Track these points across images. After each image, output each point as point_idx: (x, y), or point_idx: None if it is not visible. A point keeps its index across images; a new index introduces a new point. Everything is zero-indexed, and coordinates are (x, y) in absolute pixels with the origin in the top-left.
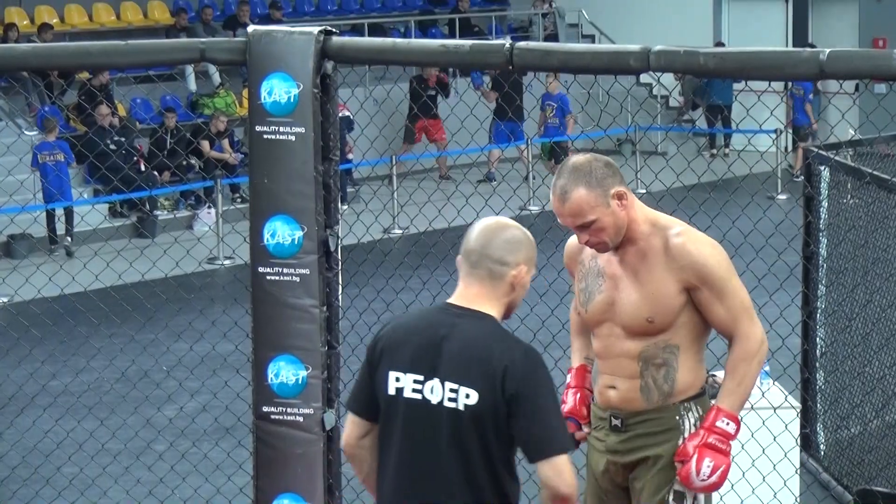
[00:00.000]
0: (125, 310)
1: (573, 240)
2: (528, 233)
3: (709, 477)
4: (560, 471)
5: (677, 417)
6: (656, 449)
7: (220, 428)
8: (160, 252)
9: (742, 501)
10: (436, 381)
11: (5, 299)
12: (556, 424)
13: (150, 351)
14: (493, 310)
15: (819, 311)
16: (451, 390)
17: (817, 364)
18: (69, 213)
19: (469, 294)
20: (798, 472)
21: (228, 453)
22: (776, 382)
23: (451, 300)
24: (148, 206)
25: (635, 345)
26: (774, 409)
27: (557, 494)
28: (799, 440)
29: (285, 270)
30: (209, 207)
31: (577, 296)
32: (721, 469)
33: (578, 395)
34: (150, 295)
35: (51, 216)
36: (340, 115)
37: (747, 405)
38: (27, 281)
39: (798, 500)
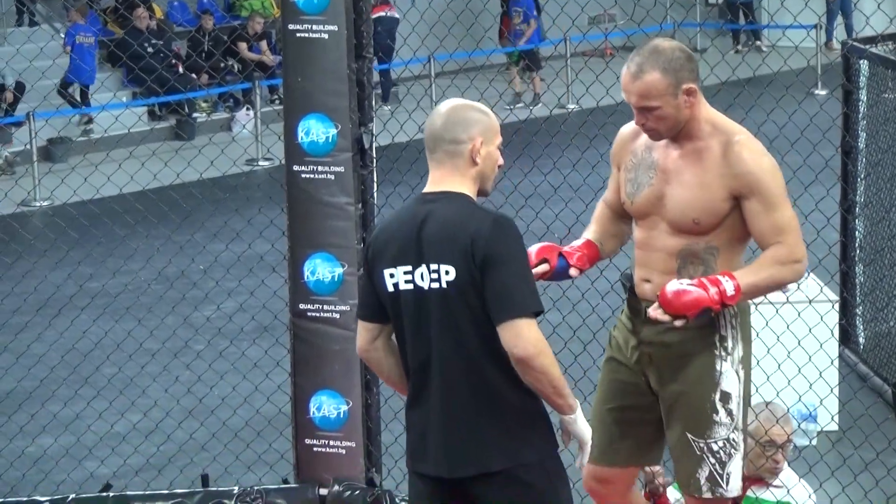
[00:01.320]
0: (162, 211)
1: (627, 128)
2: (485, 109)
3: (683, 297)
4: (517, 333)
5: (712, 314)
6: (688, 346)
7: (258, 326)
8: (197, 154)
9: (778, 393)
10: (423, 267)
11: (45, 203)
12: (519, 286)
13: (187, 251)
14: (464, 187)
15: (857, 204)
16: (434, 271)
17: (856, 257)
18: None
19: (436, 178)
20: (834, 363)
21: (266, 351)
22: (812, 274)
23: (424, 189)
24: (186, 109)
25: (677, 241)
26: (810, 301)
27: (514, 357)
28: (837, 332)
29: (320, 168)
30: (248, 109)
31: (622, 185)
32: (691, 296)
33: (584, 249)
34: (186, 196)
35: (84, 93)
36: (387, 14)
37: (782, 296)
38: (63, 182)
39: (834, 391)
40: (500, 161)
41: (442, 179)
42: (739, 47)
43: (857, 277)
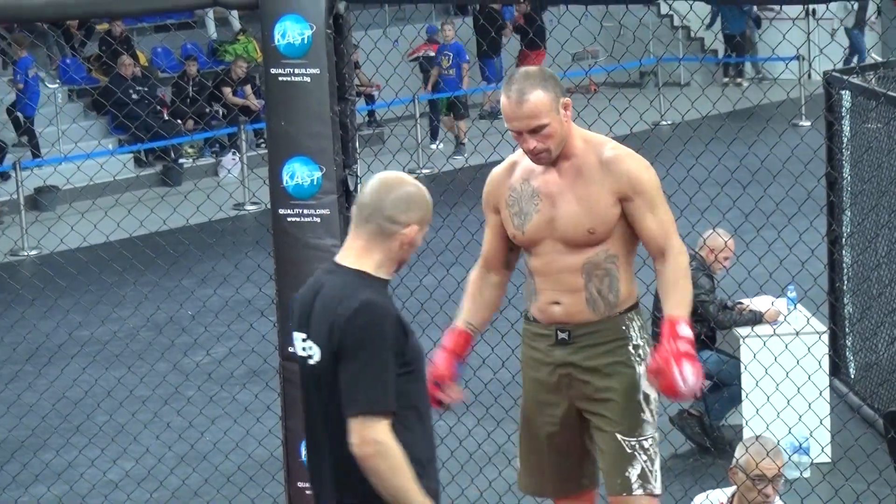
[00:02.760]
0: (150, 257)
1: (496, 170)
2: (425, 191)
3: (694, 382)
4: (357, 431)
5: (623, 327)
6: (608, 357)
7: (248, 371)
8: (183, 199)
9: (768, 426)
10: (308, 339)
11: (34, 252)
12: (366, 382)
13: (175, 297)
14: (371, 265)
15: (843, 235)
16: (309, 347)
17: (843, 288)
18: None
19: (353, 247)
20: (824, 394)
21: (256, 395)
22: (800, 305)
23: (337, 256)
24: (172, 155)
25: (577, 257)
26: (797, 333)
27: (354, 455)
28: (828, 364)
29: (305, 211)
30: (233, 154)
31: (507, 222)
32: (697, 372)
33: (445, 357)
34: (174, 242)
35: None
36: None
37: (770, 329)
38: (49, 230)
39: (825, 423)
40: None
41: (358, 251)
42: (727, 80)
43: (845, 308)
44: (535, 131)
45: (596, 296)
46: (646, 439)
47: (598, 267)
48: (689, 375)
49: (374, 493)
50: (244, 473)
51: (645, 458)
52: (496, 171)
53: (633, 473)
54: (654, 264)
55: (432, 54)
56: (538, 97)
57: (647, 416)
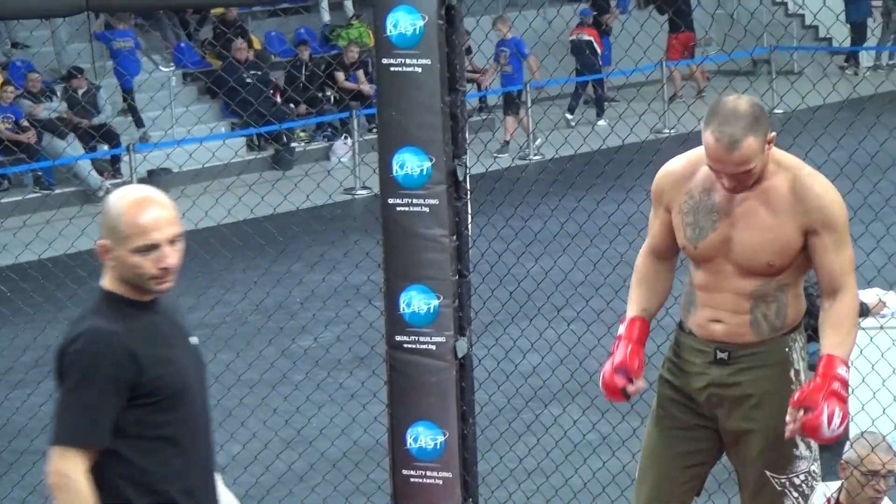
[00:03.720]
0: (259, 243)
1: (674, 165)
2: (117, 202)
3: (839, 427)
4: (49, 460)
5: (786, 349)
6: (765, 384)
7: (355, 357)
8: (293, 185)
9: (874, 421)
10: None
11: None
12: (64, 413)
13: (284, 283)
14: (107, 283)
15: None
16: None
17: None
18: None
19: None
20: None
21: (363, 382)
22: None
23: None
24: (285, 140)
25: (748, 283)
26: None
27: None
28: None
29: (415, 201)
30: (345, 138)
31: (680, 228)
32: (844, 416)
33: (630, 347)
34: (284, 228)
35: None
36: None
37: (877, 323)
38: None
39: None
40: (151, 267)
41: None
42: (846, 67)
43: None
44: (743, 174)
45: (761, 320)
46: (797, 476)
47: (768, 295)
48: (836, 418)
49: None
50: (349, 460)
51: (796, 494)
52: (673, 168)
53: None
54: (822, 298)
55: (587, 37)
56: (749, 144)
57: (800, 450)
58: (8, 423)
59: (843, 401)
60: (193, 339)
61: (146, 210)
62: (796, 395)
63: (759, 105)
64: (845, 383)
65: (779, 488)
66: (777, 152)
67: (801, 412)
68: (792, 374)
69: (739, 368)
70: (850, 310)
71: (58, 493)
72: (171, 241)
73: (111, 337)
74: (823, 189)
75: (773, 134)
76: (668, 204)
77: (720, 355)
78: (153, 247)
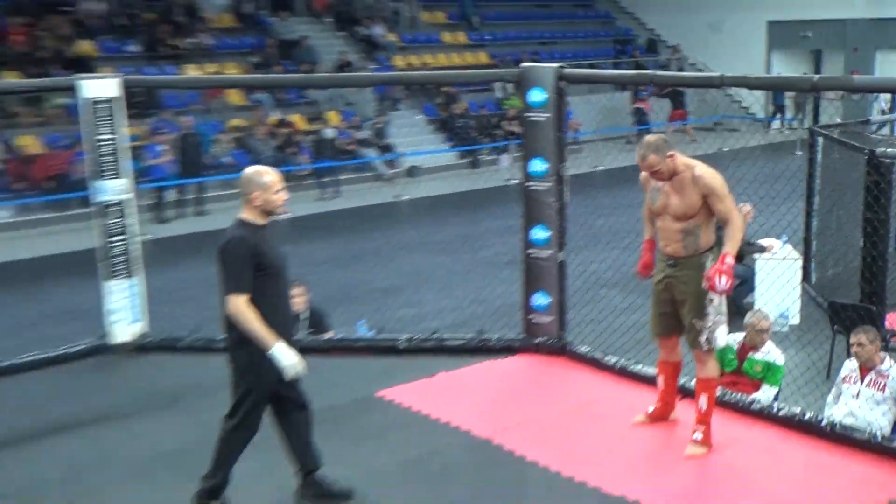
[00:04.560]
0: (464, 205)
1: (644, 174)
2: (256, 173)
3: (725, 285)
4: (228, 302)
5: (703, 261)
6: (691, 276)
7: (512, 260)
8: (483, 177)
9: (766, 304)
10: None
11: (406, 197)
12: (228, 280)
13: (477, 223)
14: (245, 214)
15: (815, 209)
16: None
17: (812, 236)
18: None
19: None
20: (797, 289)
21: (513, 273)
22: (789, 244)
23: None
24: (478, 154)
25: (679, 225)
26: (785, 258)
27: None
28: (800, 275)
29: (539, 184)
30: (506, 154)
31: (647, 198)
32: (729, 282)
33: (647, 253)
34: (475, 198)
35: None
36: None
37: (774, 257)
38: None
39: (796, 304)
40: (279, 200)
41: (241, 210)
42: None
43: (813, 246)
44: (652, 172)
45: (689, 244)
46: (708, 320)
47: (689, 231)
48: (724, 281)
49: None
50: (504, 311)
51: (707, 331)
52: (644, 174)
53: (702, 339)
54: (723, 226)
55: (641, 106)
56: (651, 158)
57: (709, 309)
58: None
59: (728, 273)
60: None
61: (274, 176)
62: (707, 272)
63: (663, 138)
64: (731, 266)
65: (698, 328)
66: (685, 159)
67: (707, 281)
68: (705, 269)
69: (679, 268)
70: (733, 230)
71: (238, 318)
72: (283, 189)
73: (245, 239)
74: (708, 174)
75: (672, 152)
76: (646, 188)
77: (670, 262)
78: (281, 189)
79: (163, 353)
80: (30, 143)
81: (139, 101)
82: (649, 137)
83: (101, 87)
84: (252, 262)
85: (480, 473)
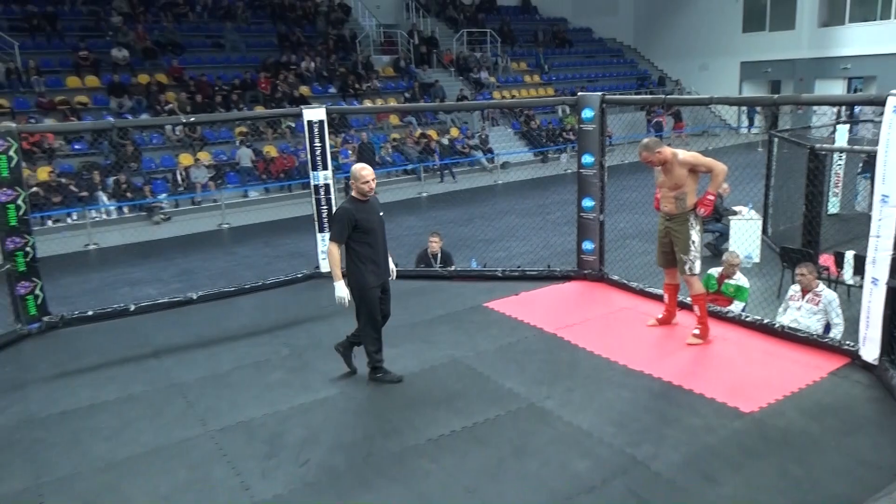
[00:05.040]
0: (536, 186)
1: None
2: (359, 168)
3: (702, 213)
4: (328, 245)
5: (688, 217)
6: (681, 226)
7: (570, 220)
8: (550, 168)
9: (737, 249)
10: None
11: (501, 182)
12: (332, 230)
13: (550, 197)
14: (353, 193)
15: (771, 186)
16: None
17: (769, 204)
18: None
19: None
20: (758, 240)
21: (570, 230)
22: (752, 210)
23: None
24: (549, 153)
25: (672, 193)
26: (749, 218)
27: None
28: (761, 228)
29: (590, 171)
30: (566, 152)
31: (656, 177)
32: (706, 211)
33: (658, 203)
34: (545, 183)
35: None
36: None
37: (742, 218)
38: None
39: (757, 250)
40: (366, 189)
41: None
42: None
43: (770, 210)
44: (648, 162)
45: (679, 205)
46: (691, 254)
47: (679, 197)
48: (702, 211)
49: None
50: (565, 253)
51: (690, 261)
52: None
53: (687, 267)
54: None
55: (659, 120)
56: (646, 154)
57: (691, 247)
58: None
59: (707, 205)
60: (381, 213)
61: (367, 171)
62: (698, 209)
63: (654, 140)
64: (711, 200)
65: (684, 258)
66: (671, 150)
67: (698, 208)
68: (689, 223)
69: (673, 222)
70: (715, 175)
71: (328, 255)
72: (372, 180)
73: (348, 210)
74: (686, 154)
75: (661, 148)
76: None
77: (667, 217)
78: (368, 181)
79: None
80: (271, 150)
81: (336, 123)
82: (645, 140)
83: (314, 113)
84: (349, 224)
85: (548, 354)
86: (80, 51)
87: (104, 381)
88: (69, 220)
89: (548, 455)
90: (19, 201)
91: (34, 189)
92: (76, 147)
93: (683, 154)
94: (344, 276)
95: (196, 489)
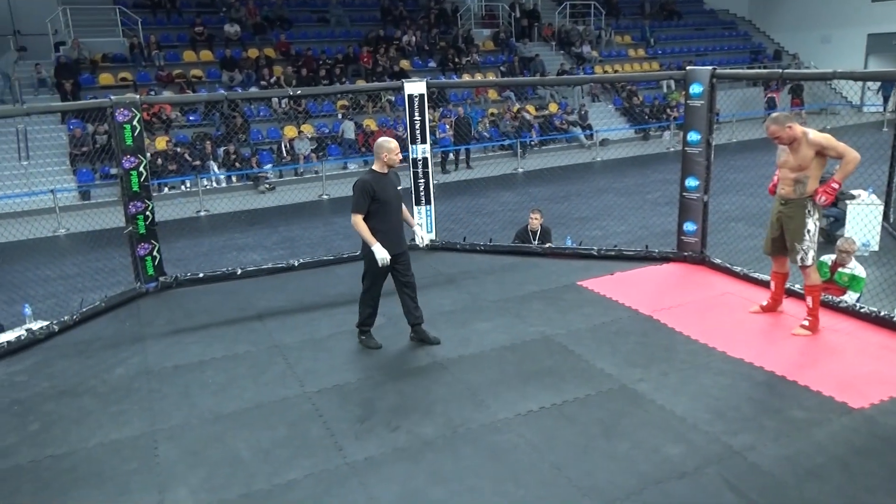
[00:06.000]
0: (634, 165)
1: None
2: (386, 141)
3: (825, 202)
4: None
5: (806, 201)
6: (797, 212)
7: (671, 201)
8: (651, 146)
9: (855, 234)
10: None
11: (601, 159)
12: (354, 202)
13: (647, 175)
14: (375, 166)
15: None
16: None
17: (893, 189)
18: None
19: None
20: (878, 226)
21: (671, 210)
22: (874, 195)
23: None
24: (650, 129)
25: (793, 175)
26: (869, 203)
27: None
28: (881, 215)
29: (695, 149)
30: (669, 129)
31: (778, 156)
32: (828, 200)
33: (773, 186)
34: (646, 161)
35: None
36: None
37: (862, 202)
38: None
39: (876, 236)
40: (396, 158)
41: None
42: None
43: (894, 196)
44: (775, 137)
45: (798, 189)
46: (806, 244)
47: (800, 180)
48: (822, 199)
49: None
50: (663, 233)
51: (803, 251)
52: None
53: (800, 257)
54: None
55: (772, 96)
56: (773, 128)
57: (806, 236)
58: None
59: (829, 192)
60: (399, 186)
61: (394, 144)
62: (818, 196)
63: (784, 114)
64: (835, 189)
65: (798, 248)
66: (802, 129)
67: (817, 195)
68: (808, 210)
69: (788, 207)
70: (846, 162)
71: (355, 227)
72: (400, 152)
73: (367, 181)
74: (818, 135)
75: (791, 124)
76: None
77: (782, 202)
78: (398, 153)
79: (445, 251)
80: (370, 123)
81: (434, 97)
82: (774, 114)
83: (415, 87)
84: (369, 196)
85: (643, 336)
86: (196, 26)
87: (212, 339)
88: (183, 188)
89: (639, 438)
90: (141, 168)
91: (153, 157)
92: (191, 118)
93: (815, 134)
94: (363, 243)
95: (294, 446)
